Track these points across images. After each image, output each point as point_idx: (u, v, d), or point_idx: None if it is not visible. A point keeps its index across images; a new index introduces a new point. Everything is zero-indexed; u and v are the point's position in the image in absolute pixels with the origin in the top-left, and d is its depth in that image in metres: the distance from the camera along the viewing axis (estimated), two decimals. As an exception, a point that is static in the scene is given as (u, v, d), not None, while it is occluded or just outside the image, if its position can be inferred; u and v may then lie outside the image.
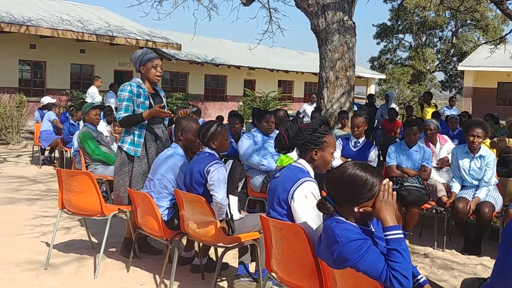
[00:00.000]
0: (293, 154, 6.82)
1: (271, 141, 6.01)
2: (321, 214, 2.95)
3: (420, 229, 6.06)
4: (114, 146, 7.73)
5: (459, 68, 34.91)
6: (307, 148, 3.07)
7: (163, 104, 4.81)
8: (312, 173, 3.08)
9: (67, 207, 4.84)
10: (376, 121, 13.16)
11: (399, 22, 42.41)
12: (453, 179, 5.77)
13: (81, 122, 9.63)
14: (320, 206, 2.53)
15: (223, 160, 4.18)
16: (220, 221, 3.92)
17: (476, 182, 5.62)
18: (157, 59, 4.93)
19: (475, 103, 32.41)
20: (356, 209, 2.45)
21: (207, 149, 4.11)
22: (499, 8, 10.21)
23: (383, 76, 39.70)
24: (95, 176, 6.77)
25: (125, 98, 4.78)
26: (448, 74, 44.50)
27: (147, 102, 4.83)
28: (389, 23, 42.80)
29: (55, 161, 10.83)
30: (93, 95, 13.87)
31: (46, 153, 11.17)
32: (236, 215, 4.09)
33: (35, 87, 19.32)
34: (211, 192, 3.87)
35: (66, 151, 10.18)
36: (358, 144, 6.21)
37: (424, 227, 6.09)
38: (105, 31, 19.59)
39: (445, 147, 7.10)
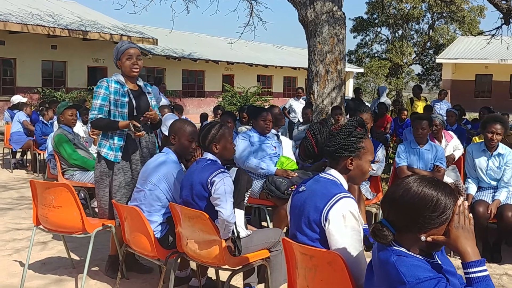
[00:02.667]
0: (287, 144, 6.27)
1: (268, 141, 5.45)
2: (362, 238, 2.41)
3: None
4: (92, 149, 7.10)
5: (438, 60, 34.88)
6: (340, 156, 2.51)
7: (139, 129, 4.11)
8: (346, 186, 2.52)
9: (43, 224, 4.21)
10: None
11: (375, 15, 42.19)
12: (469, 180, 5.31)
13: (55, 122, 8.95)
14: (375, 233, 1.98)
15: (225, 167, 3.60)
16: (226, 240, 3.35)
17: (494, 183, 5.16)
18: (132, 48, 4.27)
19: (453, 95, 32.30)
20: (423, 238, 1.92)
21: (209, 155, 3.52)
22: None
23: (361, 70, 39.42)
24: (73, 183, 6.16)
25: (100, 96, 4.17)
26: (425, 67, 44.46)
27: (126, 99, 4.22)
28: (365, 16, 42.54)
29: (28, 165, 10.09)
30: (156, 96, 12.97)
31: (18, 155, 10.41)
32: (243, 232, 3.52)
33: (4, 85, 18.38)
34: (217, 208, 3.29)
35: (39, 153, 9.45)
36: (364, 143, 5.68)
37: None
38: (77, 26, 18.76)
39: (451, 143, 6.66)
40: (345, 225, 2.35)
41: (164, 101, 11.94)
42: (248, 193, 3.64)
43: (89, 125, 8.56)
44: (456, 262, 2.52)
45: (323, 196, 2.41)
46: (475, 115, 21.77)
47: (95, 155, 6.75)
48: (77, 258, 4.91)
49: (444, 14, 39.81)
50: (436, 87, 42.70)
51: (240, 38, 13.67)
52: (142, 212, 3.73)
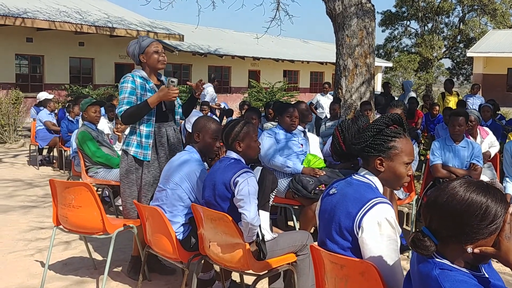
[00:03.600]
0: (314, 141, 6.06)
1: (295, 138, 5.25)
2: (399, 247, 2.21)
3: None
4: (117, 146, 7.01)
5: (468, 54, 34.04)
6: (368, 155, 2.30)
7: (174, 83, 4.01)
8: (381, 189, 2.31)
9: (63, 224, 4.10)
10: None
11: (404, 9, 41.44)
12: (507, 179, 5.05)
13: (80, 119, 8.91)
14: (415, 244, 1.77)
15: (249, 166, 3.42)
16: (250, 243, 3.18)
17: (535, 182, 4.88)
18: (157, 42, 4.17)
19: (484, 90, 31.48)
20: (470, 250, 1.70)
21: (232, 154, 3.34)
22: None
23: (390, 64, 38.77)
24: (97, 181, 6.08)
25: (127, 90, 4.02)
26: (455, 61, 43.54)
27: (152, 95, 4.08)
28: (394, 10, 41.83)
29: (54, 162, 10.09)
30: (211, 94, 12.94)
31: (45, 152, 10.43)
32: (268, 235, 3.34)
33: (32, 82, 18.55)
34: (240, 210, 3.11)
35: (65, 150, 9.43)
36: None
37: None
38: (104, 22, 18.79)
39: (486, 140, 6.38)
40: (381, 233, 2.14)
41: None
42: (274, 193, 3.46)
43: (114, 122, 8.50)
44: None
45: (356, 201, 2.20)
46: (508, 110, 21.15)
47: (119, 153, 6.71)
48: (99, 258, 4.81)
49: (475, 7, 38.89)
50: (467, 82, 41.77)
51: (266, 33, 13.47)
52: (164, 213, 3.58)
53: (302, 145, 5.26)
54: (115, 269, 4.51)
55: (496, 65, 32.86)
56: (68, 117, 9.50)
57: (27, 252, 4.94)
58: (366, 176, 2.31)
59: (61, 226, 4.14)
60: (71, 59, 19.46)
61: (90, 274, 4.43)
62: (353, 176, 2.35)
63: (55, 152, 10.35)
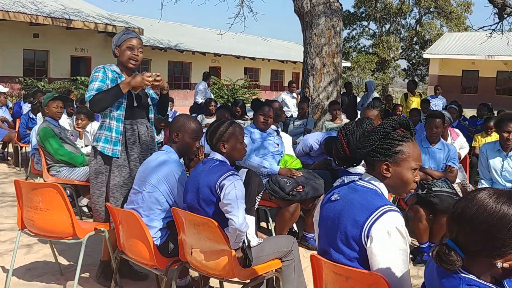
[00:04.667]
0: (287, 140, 5.94)
1: (270, 138, 5.11)
2: (409, 258, 2.09)
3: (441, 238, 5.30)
4: (78, 143, 6.70)
5: (425, 55, 34.84)
6: (374, 160, 2.19)
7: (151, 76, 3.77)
8: (387, 195, 2.20)
9: (28, 228, 3.82)
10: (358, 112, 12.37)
11: (362, 9, 41.96)
12: (482, 181, 5.05)
13: (39, 115, 8.50)
14: (441, 258, 1.65)
15: (234, 168, 3.25)
16: (235, 249, 3.01)
17: (509, 185, 4.91)
18: (135, 39, 3.91)
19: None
20: (499, 264, 1.60)
21: (216, 155, 3.17)
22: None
23: (348, 64, 39.22)
24: (59, 181, 5.76)
25: (98, 78, 3.75)
26: (411, 62, 44.43)
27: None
28: (352, 10, 42.32)
29: (9, 158, 9.61)
30: (204, 91, 12.52)
31: (-1, 148, 9.93)
32: (254, 241, 3.18)
33: (-16, 74, 17.77)
34: (228, 215, 2.94)
35: (21, 147, 8.98)
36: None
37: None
38: (61, 14, 18.19)
39: (457, 142, 6.42)
40: (391, 243, 2.02)
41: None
42: (259, 197, 3.30)
43: (74, 117, 8.14)
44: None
45: (364, 209, 2.07)
46: (464, 111, 21.67)
47: (82, 150, 6.41)
48: (65, 262, 4.53)
49: (431, 9, 39.78)
50: (422, 82, 42.69)
51: (227, 29, 13.29)
52: (140, 217, 3.37)
53: (277, 144, 5.13)
54: (83, 275, 4.24)
55: (452, 66, 33.74)
56: (30, 114, 9.02)
57: (-15, 257, 4.62)
58: (372, 181, 2.19)
59: (26, 230, 3.86)
60: (25, 51, 18.74)
61: (56, 280, 4.16)
62: (357, 182, 2.22)
63: (10, 148, 9.88)
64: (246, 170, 3.31)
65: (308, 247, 4.97)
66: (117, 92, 3.68)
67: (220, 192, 2.97)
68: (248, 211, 3.15)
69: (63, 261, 4.54)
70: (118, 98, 3.73)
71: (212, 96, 12.72)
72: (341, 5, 9.34)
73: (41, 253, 4.76)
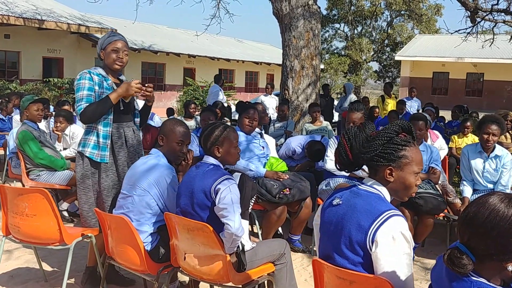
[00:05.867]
0: (271, 143, 5.93)
1: (256, 141, 5.10)
2: (413, 262, 2.11)
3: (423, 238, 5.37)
4: (57, 147, 6.58)
5: (396, 58, 35.34)
6: (378, 165, 2.20)
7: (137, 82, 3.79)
8: (389, 200, 2.21)
9: (13, 234, 3.73)
10: (336, 114, 12.49)
11: (334, 11, 42.29)
12: (464, 182, 5.13)
13: (15, 117, 8.33)
14: (453, 262, 1.67)
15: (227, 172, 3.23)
16: (230, 254, 2.99)
17: (491, 186, 5.00)
18: (120, 41, 3.87)
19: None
20: (511, 267, 1.63)
21: (210, 159, 3.14)
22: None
23: (322, 66, 39.46)
24: (39, 185, 5.64)
25: (85, 87, 3.71)
26: (382, 64, 45.00)
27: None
28: (325, 12, 42.61)
29: (-18, 162, 9.37)
30: (216, 93, 12.26)
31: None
32: (248, 245, 3.17)
33: (-48, 75, 17.31)
34: (224, 220, 2.91)
35: (-5, 150, 8.77)
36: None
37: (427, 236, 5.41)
38: (32, 14, 17.81)
39: (436, 143, 6.53)
40: (396, 248, 2.03)
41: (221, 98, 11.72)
42: (253, 201, 3.29)
43: (51, 120, 7.99)
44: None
45: (368, 213, 2.08)
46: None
47: (62, 154, 6.29)
48: (48, 269, 4.44)
49: (402, 12, 40.36)
50: (394, 84, 43.24)
51: (203, 31, 13.25)
52: (131, 221, 3.32)
53: (263, 147, 5.12)
54: (67, 281, 4.16)
55: (422, 68, 34.32)
56: (0, 115, 8.85)
57: (-35, 264, 4.49)
58: (374, 186, 2.20)
59: (11, 236, 3.77)
60: (-4, 52, 18.34)
61: (41, 287, 4.07)
62: (359, 186, 2.23)
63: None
64: (240, 174, 3.29)
65: (293, 249, 4.97)
66: (108, 104, 3.71)
67: (215, 197, 2.95)
68: (242, 215, 3.13)
69: (46, 267, 4.44)
70: (109, 109, 3.71)
71: (225, 99, 12.66)
72: (319, 7, 9.40)
73: (22, 259, 4.66)
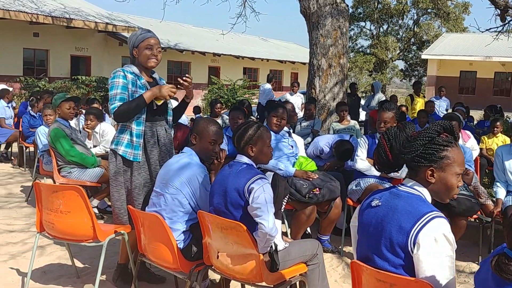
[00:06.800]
0: (300, 142, 5.89)
1: (285, 140, 5.09)
2: (454, 264, 2.07)
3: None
4: (87, 144, 6.66)
5: (423, 56, 34.91)
6: (419, 166, 2.16)
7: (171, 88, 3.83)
8: (430, 200, 2.18)
9: (48, 230, 3.78)
10: (362, 113, 12.38)
11: (359, 9, 41.96)
12: (497, 184, 5.03)
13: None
14: (500, 268, 1.64)
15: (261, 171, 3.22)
16: (263, 254, 2.99)
17: (525, 188, 4.90)
18: (153, 38, 3.89)
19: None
20: (561, 275, 1.59)
21: (243, 159, 3.14)
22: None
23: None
24: (70, 182, 5.73)
25: (119, 85, 3.74)
26: (408, 63, 44.50)
27: (144, 92, 3.82)
28: (350, 11, 42.30)
29: (13, 158, 9.55)
30: (268, 92, 12.45)
31: (2, 147, 9.86)
32: (281, 245, 3.16)
33: (-16, 73, 17.64)
34: (258, 219, 2.91)
35: (26, 147, 8.94)
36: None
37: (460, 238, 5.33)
38: (61, 13, 18.06)
39: (468, 144, 6.41)
40: (438, 250, 2.00)
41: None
42: (285, 200, 3.28)
43: (81, 117, 8.09)
44: None
45: (409, 215, 2.05)
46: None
47: (93, 151, 6.37)
48: (80, 265, 4.50)
49: (429, 10, 39.84)
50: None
51: (229, 29, 13.26)
52: (165, 220, 3.34)
53: (292, 146, 5.10)
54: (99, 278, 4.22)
55: (449, 67, 33.82)
56: (31, 111, 9.00)
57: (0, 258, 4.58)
58: (415, 187, 2.16)
59: (44, 233, 3.82)
60: (25, 50, 18.62)
61: (73, 284, 4.13)
62: (399, 187, 2.20)
63: (13, 148, 9.83)
64: (273, 173, 3.28)
65: (323, 250, 4.93)
66: (142, 104, 3.73)
67: (249, 196, 2.94)
68: (275, 214, 3.12)
69: (77, 263, 4.50)
70: (142, 109, 3.73)
71: (275, 97, 12.76)
72: (347, 5, 9.33)
73: (55, 255, 4.73)
